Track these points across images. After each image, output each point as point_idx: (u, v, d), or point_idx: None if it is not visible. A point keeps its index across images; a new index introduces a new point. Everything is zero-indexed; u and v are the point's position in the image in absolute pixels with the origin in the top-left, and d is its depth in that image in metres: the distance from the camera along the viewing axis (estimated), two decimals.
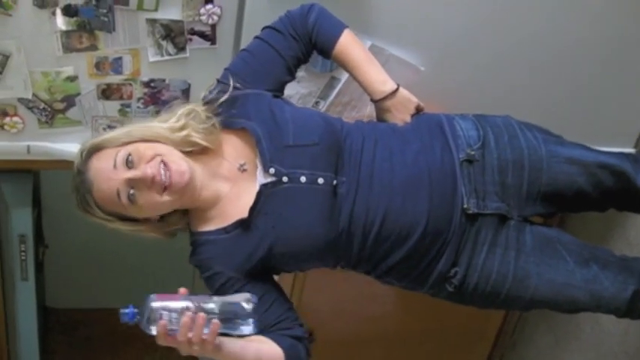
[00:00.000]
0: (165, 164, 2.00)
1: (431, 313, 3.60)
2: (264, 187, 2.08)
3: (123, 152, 2.02)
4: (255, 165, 2.13)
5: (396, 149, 2.20)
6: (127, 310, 1.84)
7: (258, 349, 2.04)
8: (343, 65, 2.33)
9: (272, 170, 2.07)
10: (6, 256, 3.23)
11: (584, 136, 2.46)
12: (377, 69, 2.32)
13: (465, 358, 4.20)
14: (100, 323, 4.91)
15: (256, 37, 2.28)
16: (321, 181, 2.09)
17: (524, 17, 2.67)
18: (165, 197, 2.01)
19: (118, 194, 1.99)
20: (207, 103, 2.16)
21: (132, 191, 1.99)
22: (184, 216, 2.18)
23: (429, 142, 2.24)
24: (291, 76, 2.29)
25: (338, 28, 2.29)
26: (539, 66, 2.80)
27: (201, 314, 1.81)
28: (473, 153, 2.25)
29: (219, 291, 2.06)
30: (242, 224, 2.09)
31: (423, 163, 2.19)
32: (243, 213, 2.08)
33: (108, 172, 2.00)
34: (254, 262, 2.09)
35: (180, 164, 2.03)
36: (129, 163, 2.00)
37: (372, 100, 2.33)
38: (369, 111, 2.62)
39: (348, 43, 2.29)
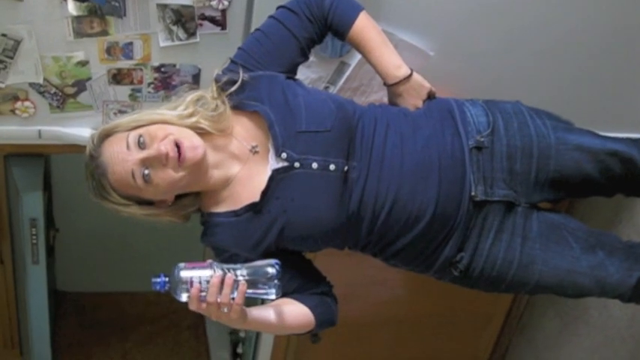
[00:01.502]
0: (177, 141, 2.01)
1: (440, 297, 3.61)
2: (275, 172, 2.09)
3: (134, 134, 2.03)
4: (267, 148, 2.13)
5: (407, 134, 2.20)
6: (158, 279, 1.88)
7: (285, 312, 2.08)
8: (357, 48, 2.32)
9: (284, 155, 2.08)
10: (17, 239, 3.24)
11: (592, 121, 2.46)
12: (392, 53, 2.31)
13: (473, 341, 4.21)
14: (110, 307, 4.95)
15: (270, 17, 2.26)
16: (332, 167, 2.09)
17: (532, 2, 2.67)
18: (180, 173, 2.02)
19: (133, 175, 2.00)
20: (219, 86, 2.16)
21: (146, 171, 2.00)
22: (197, 198, 2.19)
23: (439, 128, 2.24)
24: (305, 57, 2.28)
25: (355, 11, 2.27)
26: (548, 51, 2.80)
27: (229, 275, 1.87)
28: (482, 140, 2.25)
29: None
30: (253, 207, 2.10)
31: (434, 150, 2.20)
32: (255, 196, 2.10)
33: (122, 154, 2.01)
34: (266, 245, 2.11)
35: (192, 140, 2.03)
36: (141, 144, 2.00)
37: (384, 84, 2.33)
38: (378, 96, 2.63)
39: (364, 26, 2.28)
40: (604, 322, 3.58)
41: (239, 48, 2.25)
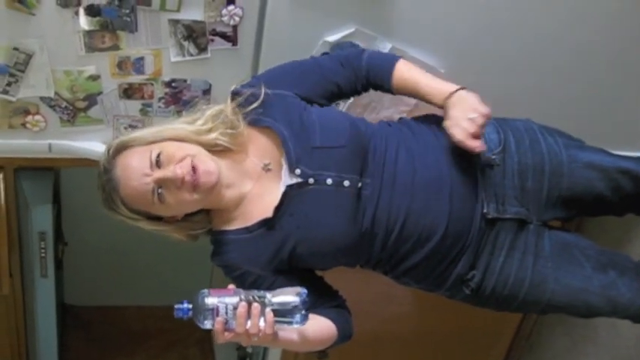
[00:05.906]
0: (193, 165, 2.01)
1: (448, 314, 3.60)
2: (289, 188, 2.08)
3: (151, 150, 2.03)
4: (280, 165, 2.13)
5: (418, 151, 2.20)
6: (181, 306, 1.84)
7: (310, 327, 2.03)
8: (406, 93, 2.32)
9: (298, 171, 2.07)
10: (26, 253, 3.24)
11: (604, 140, 2.46)
12: (439, 81, 2.27)
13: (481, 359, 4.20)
14: (118, 321, 4.94)
15: (311, 57, 2.32)
16: (347, 183, 2.09)
17: (543, 19, 2.67)
18: (195, 196, 2.02)
19: (146, 193, 2.00)
20: (239, 102, 2.16)
21: (160, 190, 2.00)
22: (207, 216, 2.19)
23: (450, 145, 2.23)
24: (325, 99, 2.27)
25: (392, 59, 2.30)
26: (559, 69, 2.80)
27: (256, 304, 1.83)
28: (494, 157, 2.25)
29: (252, 288, 2.04)
30: (266, 224, 2.09)
31: (444, 166, 2.19)
32: (267, 212, 2.09)
33: (136, 170, 2.01)
34: (278, 261, 2.10)
35: (208, 164, 2.03)
36: (158, 163, 2.01)
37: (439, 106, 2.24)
38: (388, 113, 2.63)
39: (404, 71, 2.28)
40: (612, 342, 3.57)
41: (268, 70, 2.27)
